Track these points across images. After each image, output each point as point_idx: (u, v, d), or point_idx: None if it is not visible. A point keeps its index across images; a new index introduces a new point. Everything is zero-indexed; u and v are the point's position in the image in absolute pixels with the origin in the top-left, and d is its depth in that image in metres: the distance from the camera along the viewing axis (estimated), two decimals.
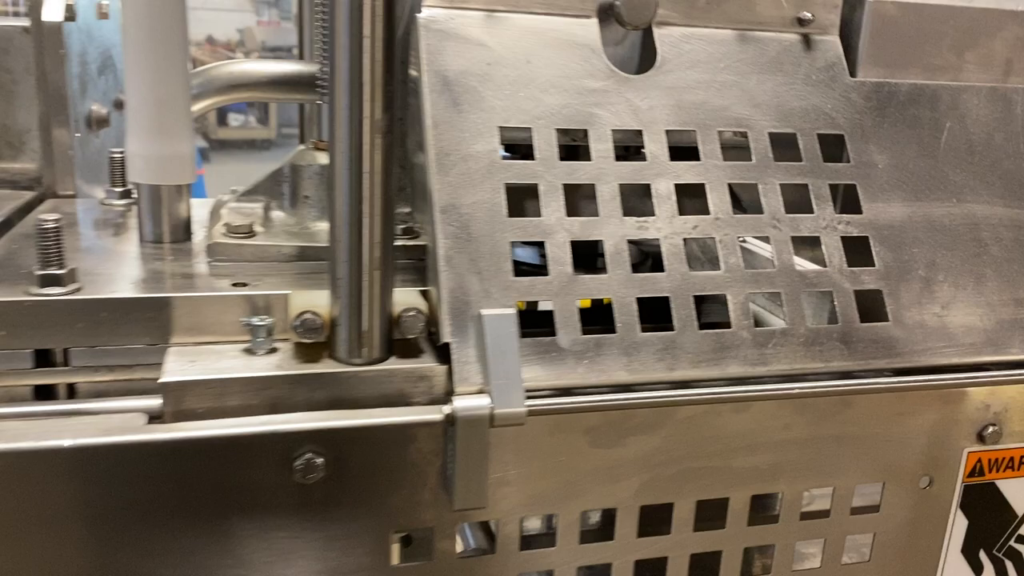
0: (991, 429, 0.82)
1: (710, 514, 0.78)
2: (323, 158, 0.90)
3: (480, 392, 0.67)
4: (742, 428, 0.75)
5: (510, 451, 0.70)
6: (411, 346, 0.72)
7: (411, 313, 0.70)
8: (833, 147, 0.85)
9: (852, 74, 0.88)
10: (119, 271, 0.78)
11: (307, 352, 0.70)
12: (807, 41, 0.87)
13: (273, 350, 0.70)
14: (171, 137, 0.84)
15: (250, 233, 0.82)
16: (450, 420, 0.65)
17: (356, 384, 0.68)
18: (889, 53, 0.89)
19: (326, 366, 0.68)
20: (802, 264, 0.85)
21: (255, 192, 0.91)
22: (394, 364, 0.70)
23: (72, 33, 1.08)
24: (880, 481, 0.81)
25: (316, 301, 0.69)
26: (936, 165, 0.86)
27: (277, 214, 0.90)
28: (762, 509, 0.81)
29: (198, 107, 0.99)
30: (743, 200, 0.90)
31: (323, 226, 0.93)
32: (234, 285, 0.74)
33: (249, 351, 0.70)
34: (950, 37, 0.91)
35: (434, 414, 0.66)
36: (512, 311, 0.69)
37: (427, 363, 0.70)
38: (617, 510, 0.74)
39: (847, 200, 0.84)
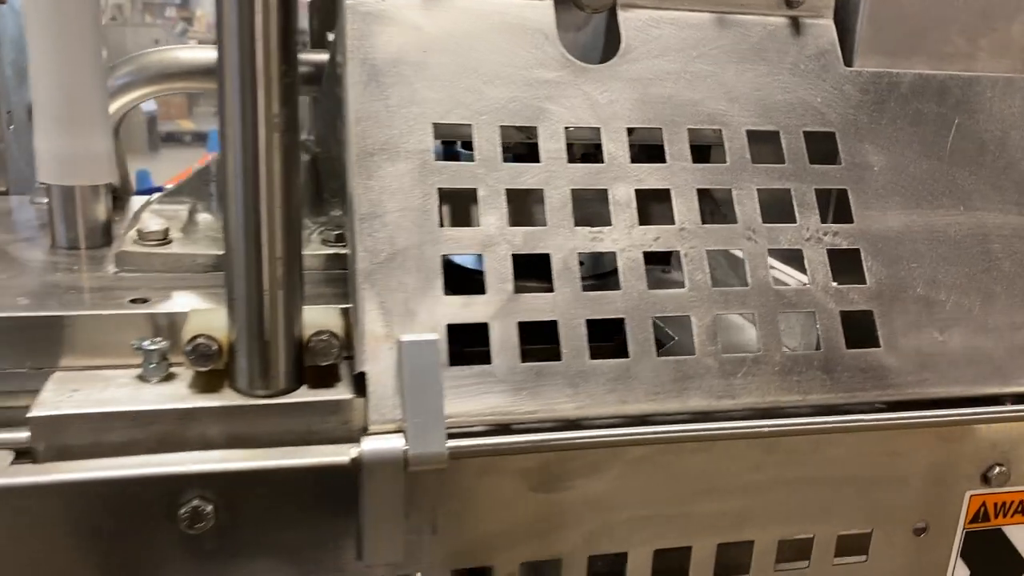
0: (997, 470, 0.72)
1: (674, 564, 0.69)
2: None
3: (397, 431, 0.58)
4: (705, 469, 0.66)
5: (434, 496, 0.61)
6: (328, 374, 0.63)
7: (323, 337, 0.61)
8: (823, 147, 0.75)
9: (848, 63, 0.78)
10: (14, 282, 0.70)
11: (208, 381, 0.62)
12: (796, 25, 0.77)
13: (169, 377, 0.62)
14: (84, 133, 0.76)
15: (164, 240, 0.74)
16: (357, 464, 0.57)
17: (257, 419, 0.60)
18: (891, 39, 0.79)
19: (224, 398, 0.60)
20: (789, 279, 0.76)
21: (180, 192, 0.83)
22: (303, 396, 0.61)
23: (6, 16, 1.00)
24: (867, 528, 0.71)
25: (214, 323, 0.61)
26: (942, 167, 0.76)
27: (203, 217, 0.82)
28: (737, 558, 0.72)
29: (127, 99, 0.91)
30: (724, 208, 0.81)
31: None
32: (132, 302, 0.66)
33: (142, 378, 0.62)
34: (961, 21, 0.80)
35: (340, 456, 0.57)
36: (435, 337, 0.60)
37: (343, 395, 0.61)
38: (562, 561, 0.65)
39: (840, 207, 0.75)
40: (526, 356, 0.63)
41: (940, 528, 0.73)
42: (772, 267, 0.82)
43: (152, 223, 0.76)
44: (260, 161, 0.56)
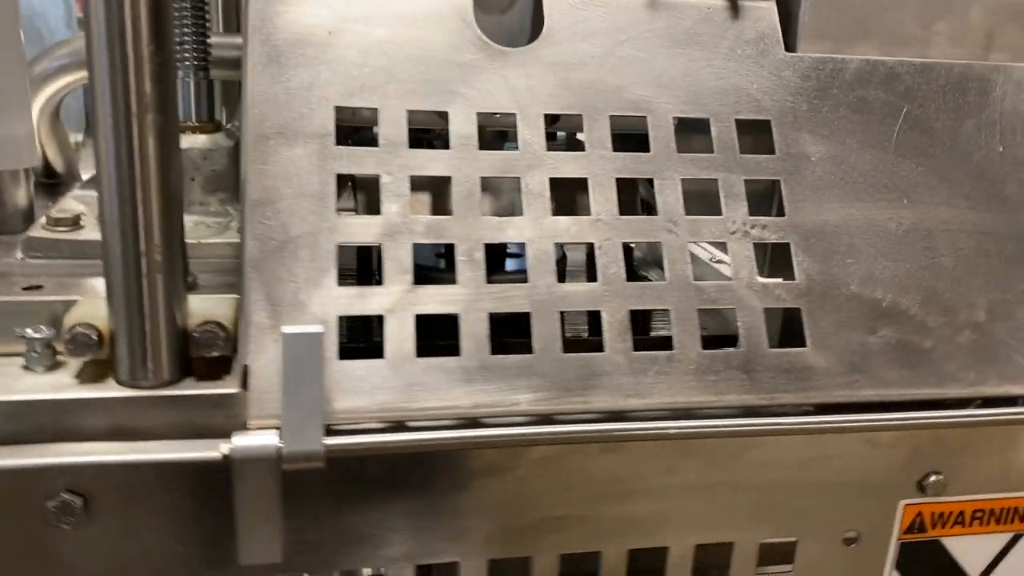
0: (934, 479, 0.68)
1: (590, 569, 0.66)
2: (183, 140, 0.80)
3: (277, 426, 0.56)
4: (614, 472, 0.63)
5: (320, 495, 0.59)
6: (221, 366, 0.61)
7: (207, 328, 0.59)
8: (758, 136, 0.71)
9: (791, 48, 0.74)
10: None
11: (95, 371, 0.60)
12: (735, 8, 0.73)
13: (56, 366, 0.60)
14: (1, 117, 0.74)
15: (75, 226, 0.72)
16: (229, 460, 0.54)
17: (137, 411, 0.58)
18: (837, 23, 0.75)
19: (105, 389, 0.58)
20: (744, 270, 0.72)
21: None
22: (187, 388, 0.59)
23: None
24: (791, 537, 0.68)
25: (100, 312, 0.59)
26: (886, 158, 0.72)
27: None
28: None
29: (64, 81, 0.89)
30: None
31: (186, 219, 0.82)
32: (25, 289, 0.64)
33: (27, 368, 0.60)
34: (915, 4, 0.76)
35: (212, 452, 0.55)
36: (318, 329, 0.57)
37: (229, 388, 0.59)
38: (460, 565, 0.63)
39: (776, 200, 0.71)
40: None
41: (873, 538, 0.69)
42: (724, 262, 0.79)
43: (69, 209, 0.74)
44: (133, 143, 0.54)
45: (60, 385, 0.58)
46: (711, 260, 0.79)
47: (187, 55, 0.78)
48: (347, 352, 0.59)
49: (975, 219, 0.72)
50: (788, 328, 0.69)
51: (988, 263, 0.71)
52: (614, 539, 0.64)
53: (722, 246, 0.71)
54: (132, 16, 0.52)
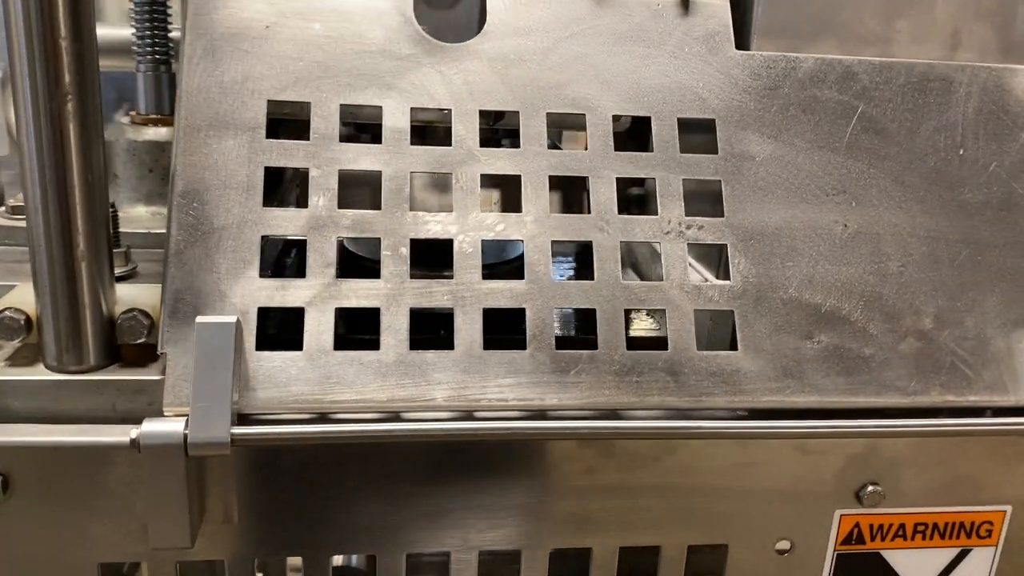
0: (871, 489, 0.66)
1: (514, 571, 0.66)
2: (137, 133, 0.81)
3: (186, 414, 0.57)
4: (533, 469, 0.62)
5: (235, 483, 0.60)
6: (149, 353, 0.62)
7: (131, 315, 0.60)
8: (706, 135, 0.70)
9: (745, 46, 0.73)
10: None
11: (29, 355, 0.62)
12: (686, 5, 0.72)
13: None
14: None
15: None
16: (137, 445, 0.55)
17: (60, 395, 0.59)
18: (793, 20, 0.73)
19: (31, 372, 0.60)
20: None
21: None
22: (109, 374, 0.60)
23: None
24: (720, 542, 0.66)
25: (30, 297, 0.60)
26: (836, 159, 0.70)
27: None
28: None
29: None
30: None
31: (137, 209, 0.84)
32: None
33: None
34: (876, 1, 0.74)
35: (121, 437, 0.56)
36: (231, 319, 0.58)
37: (151, 375, 0.60)
38: (378, 557, 0.63)
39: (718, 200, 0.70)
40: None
41: (807, 547, 0.67)
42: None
43: None
44: (53, 129, 0.55)
45: None
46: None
47: (148, 50, 0.79)
48: (269, 343, 0.60)
49: (928, 224, 0.70)
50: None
51: (939, 269, 0.69)
52: (537, 538, 0.64)
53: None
54: (49, 7, 0.53)
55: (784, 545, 0.67)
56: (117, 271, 0.68)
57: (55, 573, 0.60)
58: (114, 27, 0.86)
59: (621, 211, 0.66)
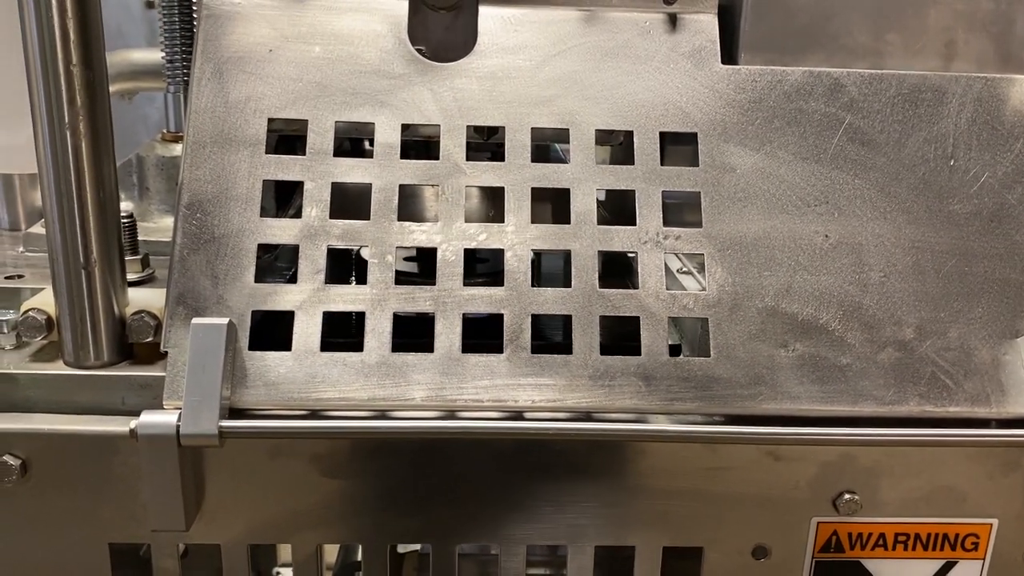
0: (847, 497, 0.66)
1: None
2: (167, 149, 0.88)
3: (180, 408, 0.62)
4: (503, 467, 0.65)
5: (228, 474, 0.64)
6: (154, 351, 0.67)
7: (140, 316, 0.66)
8: (688, 148, 0.72)
9: (733, 60, 0.74)
10: None
11: (52, 352, 0.68)
12: (673, 22, 0.74)
13: (22, 345, 0.69)
14: (8, 125, 0.84)
15: None
16: (135, 436, 0.61)
17: (74, 388, 0.65)
18: (780, 34, 0.74)
19: (51, 367, 0.66)
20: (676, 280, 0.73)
21: None
22: (119, 370, 0.66)
23: None
24: (695, 544, 0.68)
25: (50, 299, 0.67)
26: (820, 170, 0.71)
27: (125, 205, 0.89)
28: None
29: None
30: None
31: (167, 220, 0.91)
32: (7, 278, 0.73)
33: None
34: (864, 13, 0.74)
35: (122, 427, 0.62)
36: (223, 321, 0.63)
37: (154, 372, 0.65)
38: (361, 548, 0.67)
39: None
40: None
41: (785, 554, 0.68)
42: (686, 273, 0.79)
43: None
44: (68, 149, 0.61)
45: (13, 361, 0.66)
46: (679, 271, 0.80)
47: (176, 72, 0.85)
48: (262, 344, 0.65)
49: (914, 234, 0.70)
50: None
51: (924, 280, 0.69)
52: (510, 534, 0.67)
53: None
54: (62, 39, 0.59)
55: (760, 549, 0.68)
56: (135, 276, 0.74)
57: (68, 550, 0.65)
58: (147, 51, 0.93)
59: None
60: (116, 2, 1.54)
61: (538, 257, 0.84)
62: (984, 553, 0.69)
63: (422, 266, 0.81)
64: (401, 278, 0.69)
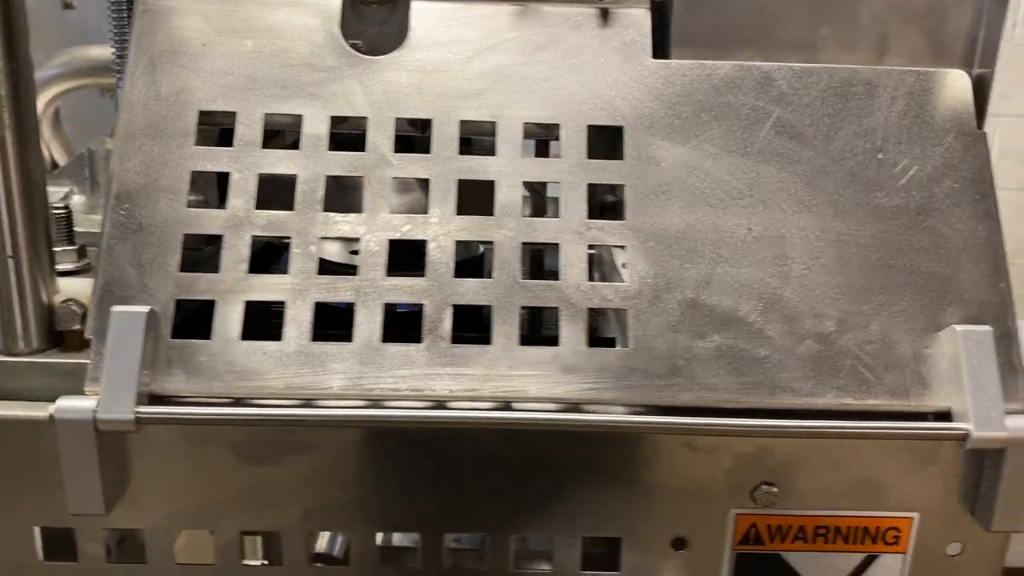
0: (764, 489, 0.67)
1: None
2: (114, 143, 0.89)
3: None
4: (425, 457, 0.66)
5: (151, 459, 0.65)
6: (82, 339, 0.68)
7: (67, 305, 0.67)
8: (616, 141, 0.72)
9: (664, 54, 0.74)
10: None
11: None
12: (605, 16, 0.75)
13: None
14: None
15: None
16: (53, 421, 0.62)
17: (5, 375, 0.66)
18: (713, 29, 0.75)
19: None
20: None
21: (61, 175, 0.91)
22: (46, 357, 0.67)
23: None
24: (612, 535, 0.68)
25: None
26: (746, 164, 0.71)
27: (78, 198, 0.90)
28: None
29: (58, 89, 1.01)
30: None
31: None
32: None
33: None
34: (798, 8, 0.74)
35: (41, 412, 0.63)
36: (143, 309, 0.64)
37: (81, 359, 0.67)
38: (282, 536, 0.68)
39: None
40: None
41: (705, 545, 0.68)
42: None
43: None
44: None
45: None
46: (623, 265, 0.80)
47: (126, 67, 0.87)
48: (184, 332, 0.66)
49: (839, 227, 0.70)
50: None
51: (847, 273, 0.69)
52: (432, 522, 0.68)
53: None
54: None
55: (679, 540, 0.68)
56: (70, 266, 0.75)
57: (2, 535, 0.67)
58: (103, 47, 0.94)
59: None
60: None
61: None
62: (906, 547, 0.68)
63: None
64: (342, 270, 0.70)
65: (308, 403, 0.65)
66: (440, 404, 0.65)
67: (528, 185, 0.79)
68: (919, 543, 0.69)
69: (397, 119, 0.72)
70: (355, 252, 0.85)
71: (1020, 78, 3.05)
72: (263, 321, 0.70)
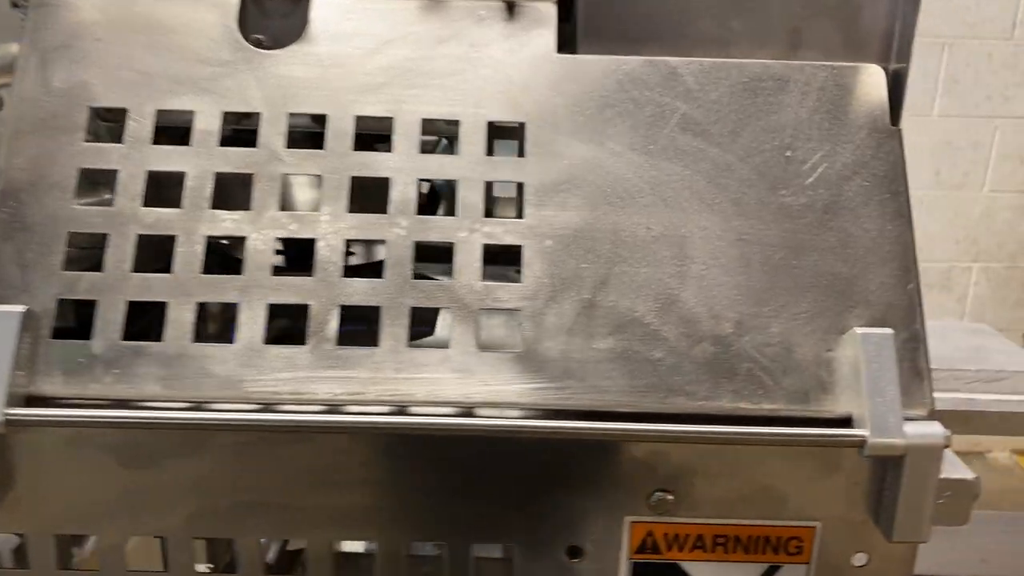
0: (658, 495, 0.65)
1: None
2: None
3: None
4: (311, 462, 0.64)
5: (31, 463, 0.64)
6: None
7: None
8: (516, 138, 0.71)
9: (572, 49, 0.73)
10: None
11: None
12: (510, 9, 0.73)
13: None
14: None
15: None
16: None
17: None
18: (621, 22, 0.73)
19: None
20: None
21: None
22: None
23: None
24: (504, 543, 0.66)
25: None
26: (649, 162, 0.69)
27: None
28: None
29: None
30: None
31: None
32: None
33: None
34: (708, 2, 0.72)
35: None
36: (18, 309, 0.63)
37: None
38: (168, 540, 0.66)
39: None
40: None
41: (601, 554, 0.66)
42: None
43: None
44: None
45: None
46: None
47: None
48: (67, 333, 0.64)
49: (742, 226, 0.68)
50: None
51: (748, 273, 0.67)
52: (318, 529, 0.66)
53: None
54: None
55: (574, 549, 0.66)
56: None
57: None
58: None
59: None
60: None
61: None
62: (809, 557, 0.66)
63: (292, 258, 0.80)
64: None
65: (199, 406, 0.64)
66: (334, 408, 0.64)
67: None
68: (823, 553, 0.66)
69: (299, 115, 0.71)
70: (279, 252, 0.84)
71: (1020, 78, 3.00)
72: (156, 321, 0.69)
